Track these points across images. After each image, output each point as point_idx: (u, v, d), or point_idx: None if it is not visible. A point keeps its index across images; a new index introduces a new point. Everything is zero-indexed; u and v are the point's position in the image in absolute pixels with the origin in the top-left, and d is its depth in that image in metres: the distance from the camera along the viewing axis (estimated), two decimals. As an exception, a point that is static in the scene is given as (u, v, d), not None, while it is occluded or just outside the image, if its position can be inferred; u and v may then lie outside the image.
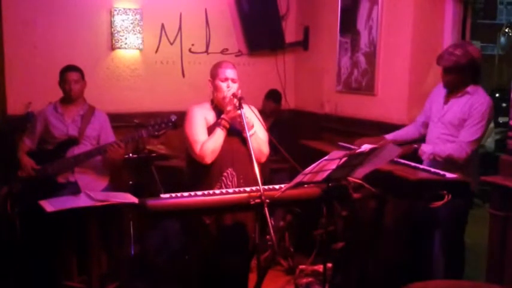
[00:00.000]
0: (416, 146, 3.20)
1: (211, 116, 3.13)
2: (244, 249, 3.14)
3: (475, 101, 3.14)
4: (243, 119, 2.83)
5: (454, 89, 3.23)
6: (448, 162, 3.08)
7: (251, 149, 2.78)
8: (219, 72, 3.10)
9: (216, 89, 3.11)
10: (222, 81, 3.08)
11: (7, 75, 4.51)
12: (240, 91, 3.08)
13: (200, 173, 3.10)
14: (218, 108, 3.15)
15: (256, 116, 3.17)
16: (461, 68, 3.13)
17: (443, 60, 3.18)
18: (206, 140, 3.01)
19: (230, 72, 3.09)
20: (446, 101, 3.28)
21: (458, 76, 3.16)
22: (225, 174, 3.06)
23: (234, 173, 3.07)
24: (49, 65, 4.38)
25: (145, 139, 3.94)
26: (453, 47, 3.25)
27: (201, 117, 3.12)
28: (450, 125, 3.20)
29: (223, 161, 3.05)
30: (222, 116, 3.03)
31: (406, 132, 3.51)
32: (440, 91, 3.38)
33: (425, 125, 3.45)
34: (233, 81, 3.08)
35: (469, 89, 3.18)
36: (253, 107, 3.22)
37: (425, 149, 3.14)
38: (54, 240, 3.72)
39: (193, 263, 3.24)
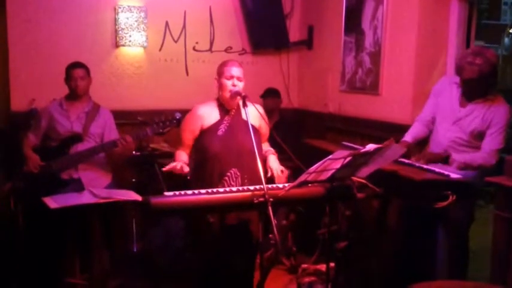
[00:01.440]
0: (447, 154, 3.11)
1: (215, 114, 3.14)
2: (247, 248, 3.14)
3: (498, 110, 3.08)
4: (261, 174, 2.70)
5: (474, 98, 3.16)
6: None
7: (255, 148, 2.78)
8: (225, 70, 3.10)
9: (221, 87, 3.11)
10: (228, 79, 3.08)
11: (11, 72, 4.52)
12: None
13: (202, 174, 3.10)
14: (224, 107, 3.15)
15: (261, 115, 3.17)
16: (484, 77, 3.03)
17: (466, 71, 3.04)
18: (181, 152, 3.19)
19: (236, 71, 3.09)
20: (463, 104, 3.19)
21: (481, 86, 3.08)
22: (228, 174, 3.06)
23: (238, 173, 3.07)
24: (53, 62, 4.39)
25: (149, 137, 3.94)
26: (472, 55, 3.05)
27: (195, 123, 3.14)
28: (469, 132, 3.13)
29: (226, 162, 3.05)
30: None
31: (419, 131, 3.43)
32: (451, 88, 3.28)
33: (434, 121, 3.39)
34: (238, 79, 3.08)
35: (489, 95, 3.12)
36: (258, 106, 3.22)
37: (457, 158, 3.05)
38: (57, 237, 3.72)
39: (196, 261, 3.24)
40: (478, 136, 3.12)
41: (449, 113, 3.25)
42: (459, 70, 3.11)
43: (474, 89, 3.12)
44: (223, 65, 3.15)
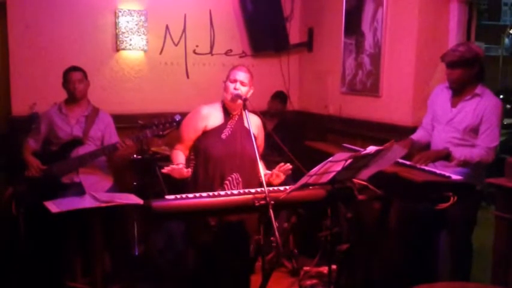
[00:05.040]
0: (447, 151, 3.13)
1: (219, 117, 3.14)
2: (248, 251, 3.14)
3: (488, 104, 3.12)
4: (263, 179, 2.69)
5: (460, 87, 3.21)
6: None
7: (256, 151, 2.78)
8: (231, 73, 3.12)
9: (225, 89, 3.11)
10: (231, 82, 3.09)
11: (12, 77, 4.52)
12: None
13: (202, 176, 3.10)
14: (227, 110, 3.15)
15: (259, 125, 3.20)
16: (466, 62, 3.11)
17: (448, 56, 3.18)
18: (178, 152, 3.15)
19: (240, 75, 3.09)
20: (454, 104, 3.25)
21: (464, 71, 3.14)
22: (229, 178, 3.05)
23: (240, 179, 3.07)
24: (53, 66, 4.39)
25: (149, 139, 3.94)
26: (456, 45, 3.28)
27: (199, 122, 3.12)
28: (463, 130, 3.17)
29: (229, 166, 3.05)
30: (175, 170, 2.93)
31: (422, 135, 3.49)
32: (442, 92, 3.35)
33: (434, 128, 3.43)
34: (242, 83, 3.07)
35: (478, 90, 3.16)
36: (258, 118, 3.22)
37: (457, 155, 3.08)
38: (59, 241, 3.72)
39: (197, 264, 3.24)
40: (472, 132, 3.16)
41: (442, 115, 3.31)
42: (443, 56, 3.22)
43: (456, 75, 3.17)
44: (231, 69, 3.17)
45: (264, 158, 3.34)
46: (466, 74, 3.15)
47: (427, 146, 3.42)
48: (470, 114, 3.15)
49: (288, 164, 2.95)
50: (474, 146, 3.13)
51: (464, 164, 3.06)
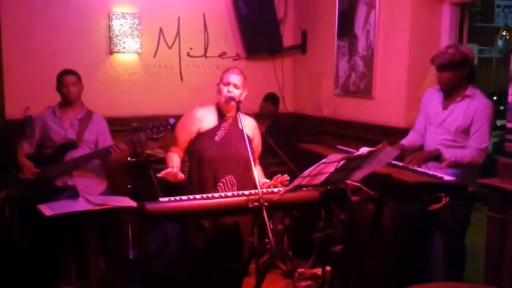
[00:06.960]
0: (438, 152, 3.15)
1: (213, 119, 3.16)
2: (242, 253, 3.15)
3: (478, 105, 3.13)
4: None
5: (451, 89, 3.22)
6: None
7: (249, 154, 2.79)
8: (224, 76, 3.14)
9: (218, 92, 3.13)
10: (225, 85, 3.11)
11: (5, 80, 4.52)
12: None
13: (196, 177, 3.10)
14: (221, 112, 3.16)
15: (254, 127, 3.20)
16: (456, 64, 3.13)
17: (437, 58, 3.19)
18: (173, 155, 3.17)
19: (234, 78, 3.10)
20: (445, 106, 3.27)
21: (453, 73, 3.16)
22: (223, 180, 3.06)
23: (234, 181, 3.07)
24: (47, 69, 4.38)
25: (143, 142, 3.94)
26: (445, 48, 3.30)
27: (193, 125, 3.14)
28: (454, 131, 3.19)
29: (222, 167, 3.05)
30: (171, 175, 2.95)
31: (414, 139, 3.49)
32: (434, 95, 3.37)
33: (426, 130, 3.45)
34: (235, 86, 3.09)
35: (468, 92, 3.18)
36: (252, 120, 3.23)
37: (447, 155, 3.10)
38: (53, 245, 3.71)
39: (191, 266, 3.24)
40: (463, 133, 3.18)
41: (434, 118, 3.33)
42: (432, 59, 3.24)
43: (446, 78, 3.19)
44: (224, 71, 3.19)
45: (259, 160, 3.35)
46: (456, 76, 3.17)
47: (418, 150, 3.43)
48: (461, 116, 3.17)
49: (286, 176, 2.96)
50: (465, 147, 3.15)
51: (454, 164, 3.07)
